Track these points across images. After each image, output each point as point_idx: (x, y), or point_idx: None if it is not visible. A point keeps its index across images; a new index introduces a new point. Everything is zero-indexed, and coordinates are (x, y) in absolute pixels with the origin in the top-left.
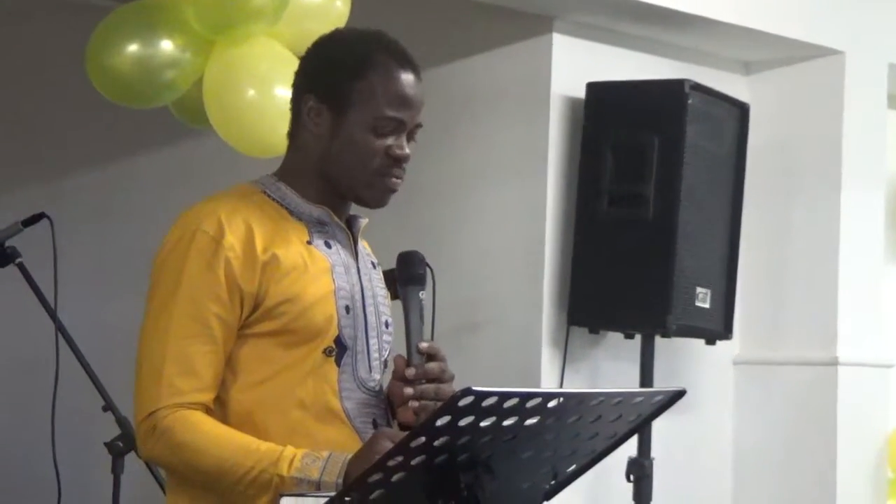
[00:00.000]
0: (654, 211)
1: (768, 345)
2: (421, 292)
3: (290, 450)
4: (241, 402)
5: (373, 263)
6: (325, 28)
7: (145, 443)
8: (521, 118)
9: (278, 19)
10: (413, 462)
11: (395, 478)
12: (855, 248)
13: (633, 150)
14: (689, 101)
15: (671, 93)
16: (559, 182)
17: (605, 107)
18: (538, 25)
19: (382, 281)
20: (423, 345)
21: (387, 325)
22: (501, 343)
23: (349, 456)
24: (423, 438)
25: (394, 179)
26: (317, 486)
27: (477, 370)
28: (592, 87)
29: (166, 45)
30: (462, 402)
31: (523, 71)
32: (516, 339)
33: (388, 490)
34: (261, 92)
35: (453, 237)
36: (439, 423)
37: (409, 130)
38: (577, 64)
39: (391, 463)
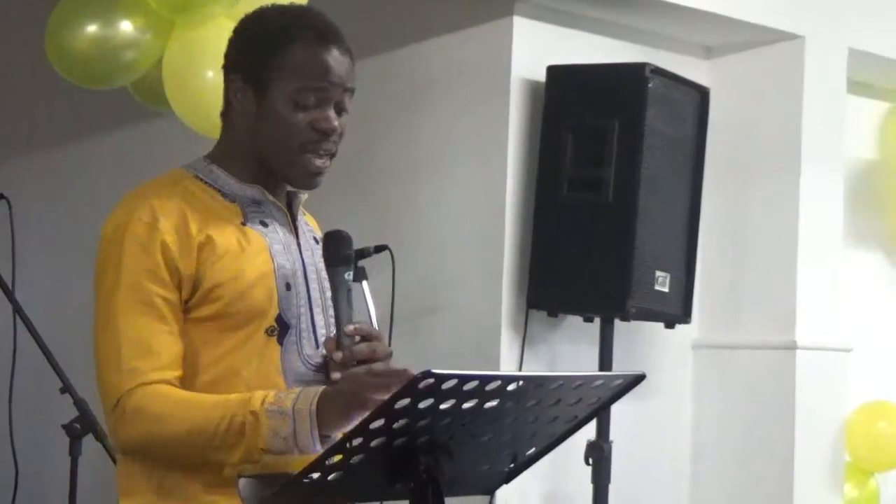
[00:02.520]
0: (614, 194)
1: (727, 328)
2: (347, 273)
3: (260, 391)
4: (191, 389)
5: (315, 239)
6: None
7: (118, 431)
8: (482, 101)
9: (238, 0)
10: (372, 444)
11: (354, 459)
12: (814, 232)
13: (593, 134)
14: (650, 85)
15: (631, 76)
16: (519, 165)
17: (565, 90)
18: (499, 8)
19: None
20: (350, 328)
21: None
22: (461, 326)
23: (321, 388)
24: (382, 420)
25: (321, 154)
26: (291, 417)
27: (436, 353)
28: (553, 71)
29: (126, 26)
30: (422, 385)
31: (484, 54)
32: (475, 323)
33: (347, 471)
34: (220, 73)
35: (412, 221)
36: (399, 405)
37: (337, 102)
38: (538, 47)
39: (350, 444)
